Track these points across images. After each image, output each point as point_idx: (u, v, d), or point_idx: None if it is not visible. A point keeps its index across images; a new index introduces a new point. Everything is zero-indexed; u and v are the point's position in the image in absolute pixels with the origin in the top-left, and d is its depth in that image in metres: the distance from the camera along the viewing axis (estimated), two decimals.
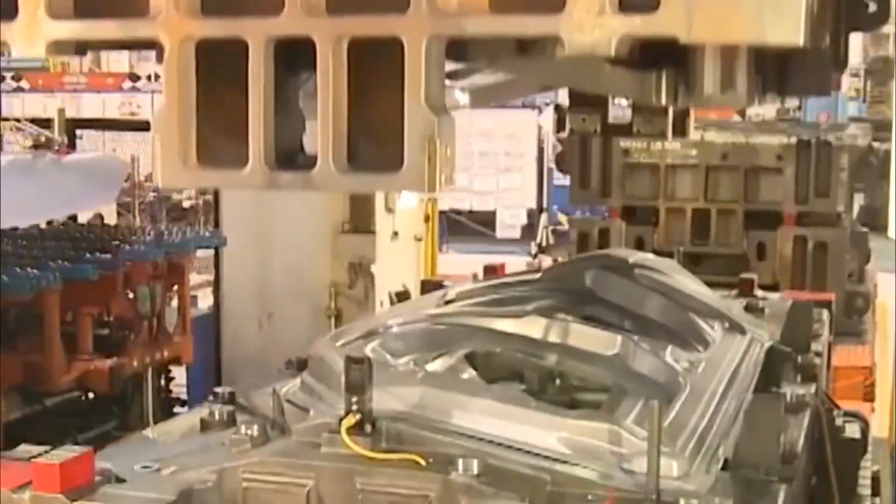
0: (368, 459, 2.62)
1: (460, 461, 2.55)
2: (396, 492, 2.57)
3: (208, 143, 2.44)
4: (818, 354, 3.74)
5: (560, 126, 8.05)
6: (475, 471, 2.54)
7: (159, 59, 2.44)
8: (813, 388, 3.31)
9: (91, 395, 8.97)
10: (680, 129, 7.40)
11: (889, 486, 3.93)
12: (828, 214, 7.45)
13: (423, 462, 2.60)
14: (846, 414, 3.76)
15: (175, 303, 9.99)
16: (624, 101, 7.37)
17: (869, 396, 4.89)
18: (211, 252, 11.19)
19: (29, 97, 23.93)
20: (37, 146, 18.18)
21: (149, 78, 23.91)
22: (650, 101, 2.43)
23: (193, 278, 10.92)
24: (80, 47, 2.53)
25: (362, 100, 2.36)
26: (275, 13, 2.32)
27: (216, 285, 10.97)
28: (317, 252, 10.68)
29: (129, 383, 8.84)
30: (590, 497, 2.53)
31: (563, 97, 8.06)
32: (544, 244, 18.51)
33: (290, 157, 2.42)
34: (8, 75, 23.67)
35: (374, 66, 2.34)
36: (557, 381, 3.19)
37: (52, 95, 23.61)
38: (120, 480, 2.74)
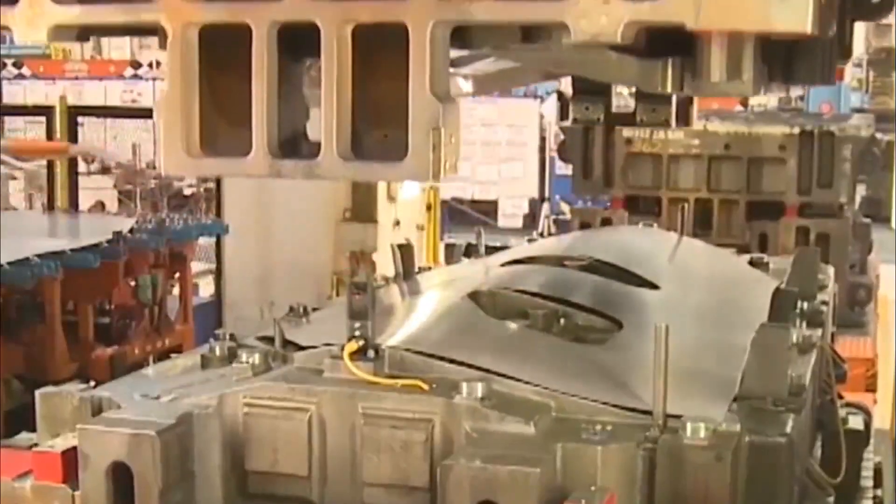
0: (371, 384, 2.60)
1: (464, 385, 2.54)
2: (400, 416, 2.56)
3: (211, 129, 2.43)
4: (825, 303, 3.73)
5: (564, 114, 8.03)
6: (479, 394, 2.53)
7: (162, 44, 2.43)
8: (819, 333, 3.30)
9: (92, 383, 8.96)
10: (683, 119, 7.38)
11: (891, 477, 3.93)
12: (830, 205, 7.44)
13: (426, 387, 2.59)
14: (849, 405, 3.76)
15: (177, 291, 9.99)
16: (626, 91, 7.36)
17: (871, 388, 4.90)
18: (213, 240, 11.19)
19: (30, 84, 23.90)
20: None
21: (150, 66, 23.88)
22: (656, 89, 2.41)
23: (195, 266, 10.91)
24: (83, 33, 2.51)
25: (367, 86, 2.34)
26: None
27: (218, 273, 10.99)
28: (319, 241, 10.70)
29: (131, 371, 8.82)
30: (597, 427, 2.52)
31: (566, 85, 8.03)
32: (546, 234, 18.51)
33: (293, 144, 2.41)
34: (9, 62, 23.65)
35: (379, 52, 2.32)
36: (562, 321, 3.17)
37: (54, 83, 23.57)
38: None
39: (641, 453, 2.46)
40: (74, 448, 2.60)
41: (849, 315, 6.92)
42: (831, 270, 4.39)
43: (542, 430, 2.52)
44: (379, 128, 2.36)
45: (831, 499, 2.93)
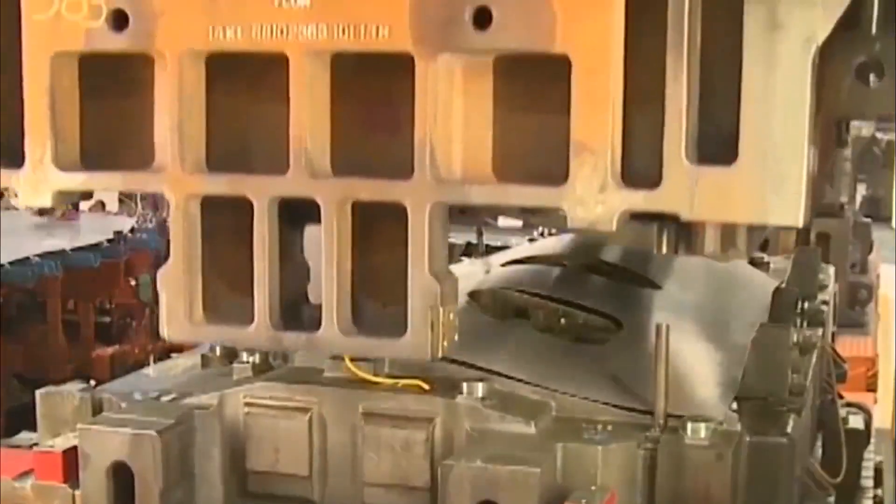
0: (371, 384, 2.61)
1: (465, 385, 2.54)
2: (400, 415, 2.56)
3: (213, 294, 2.49)
4: (825, 303, 3.73)
5: None
6: (480, 394, 2.54)
7: (165, 211, 2.45)
8: (819, 332, 3.30)
9: (93, 383, 8.97)
10: None
11: (892, 477, 3.93)
12: (830, 205, 7.43)
13: (426, 387, 2.59)
14: (849, 405, 3.76)
15: None
16: None
17: (872, 387, 4.90)
18: None
19: None
20: None
21: None
22: (651, 249, 2.42)
23: None
24: (87, 194, 2.61)
25: (367, 260, 2.39)
26: (280, 172, 2.35)
27: None
28: None
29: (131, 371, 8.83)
30: (597, 426, 2.53)
31: None
32: (546, 234, 18.50)
33: (294, 309, 2.46)
34: None
35: (379, 225, 2.38)
36: (563, 321, 3.17)
37: None
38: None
39: (642, 453, 2.46)
40: (75, 448, 2.60)
41: (849, 315, 6.91)
42: (831, 270, 4.40)
43: (543, 430, 2.52)
44: (379, 298, 2.41)
45: (832, 498, 2.94)
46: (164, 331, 2.50)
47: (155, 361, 3.16)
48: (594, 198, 2.15)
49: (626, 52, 2.13)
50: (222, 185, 2.40)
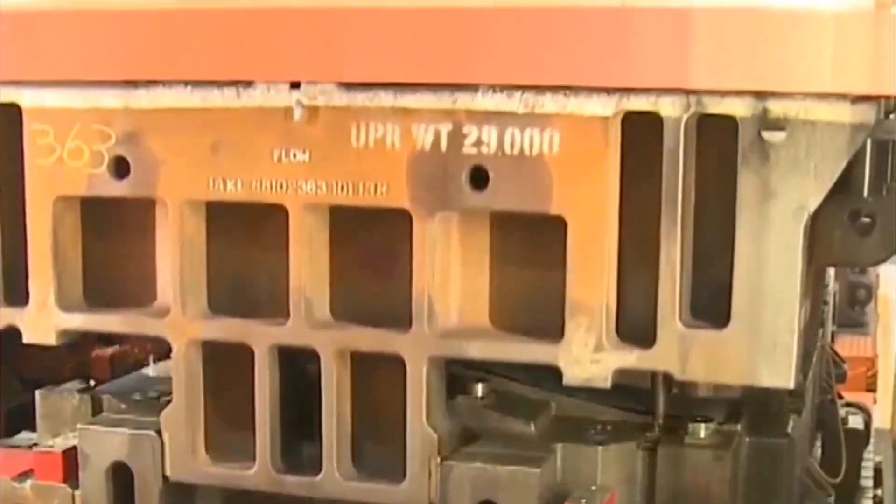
0: None
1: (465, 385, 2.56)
2: None
3: (216, 433, 2.53)
4: (825, 302, 3.73)
5: None
6: (479, 394, 2.55)
7: (168, 354, 2.53)
8: (819, 332, 3.30)
9: (92, 383, 8.97)
10: None
11: (891, 477, 3.92)
12: None
13: None
14: (849, 405, 3.76)
15: None
16: None
17: (871, 387, 4.89)
18: None
19: None
20: None
21: None
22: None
23: None
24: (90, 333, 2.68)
25: (366, 404, 2.43)
26: (281, 315, 2.39)
27: None
28: None
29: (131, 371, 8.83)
30: (597, 426, 2.54)
31: None
32: None
33: (296, 447, 2.49)
34: None
35: (378, 374, 2.41)
36: None
37: None
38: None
39: (641, 453, 2.46)
40: (75, 448, 2.61)
41: (849, 314, 6.89)
42: (831, 270, 4.39)
43: (542, 430, 2.53)
44: (378, 441, 2.45)
45: (831, 499, 2.93)
46: (168, 470, 2.53)
47: (155, 362, 3.15)
48: (589, 357, 2.21)
49: (620, 214, 2.17)
50: (223, 331, 2.45)
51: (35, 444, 2.76)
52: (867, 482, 3.60)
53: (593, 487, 2.40)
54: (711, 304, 2.18)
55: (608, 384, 2.20)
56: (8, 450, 2.82)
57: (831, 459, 3.26)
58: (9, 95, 2.45)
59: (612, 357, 2.19)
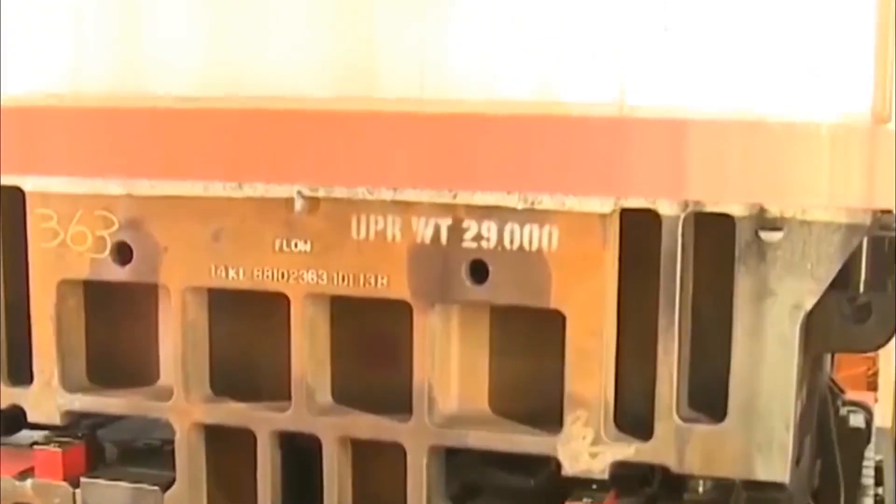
0: None
1: None
2: None
3: None
4: None
5: None
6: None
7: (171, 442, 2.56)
8: (816, 404, 3.31)
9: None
10: None
11: (892, 475, 3.95)
12: None
13: None
14: (850, 404, 3.76)
15: None
16: None
17: (872, 386, 4.90)
18: None
19: None
20: None
21: None
22: None
23: None
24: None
25: (367, 487, 2.47)
26: (283, 399, 2.43)
27: None
28: None
29: None
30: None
31: None
32: None
33: None
34: None
35: (378, 461, 2.46)
36: None
37: None
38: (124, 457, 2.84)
39: None
40: (76, 446, 2.68)
41: None
42: None
43: (542, 485, 2.56)
44: None
45: None
46: None
47: None
48: (587, 450, 2.25)
49: (619, 308, 2.19)
50: (226, 416, 2.49)
51: (35, 443, 2.80)
52: (868, 481, 3.62)
53: (593, 486, 2.45)
54: (709, 394, 2.22)
55: (606, 476, 2.25)
56: (8, 448, 2.86)
57: (831, 461, 3.29)
58: (11, 179, 2.47)
59: (610, 450, 2.24)
